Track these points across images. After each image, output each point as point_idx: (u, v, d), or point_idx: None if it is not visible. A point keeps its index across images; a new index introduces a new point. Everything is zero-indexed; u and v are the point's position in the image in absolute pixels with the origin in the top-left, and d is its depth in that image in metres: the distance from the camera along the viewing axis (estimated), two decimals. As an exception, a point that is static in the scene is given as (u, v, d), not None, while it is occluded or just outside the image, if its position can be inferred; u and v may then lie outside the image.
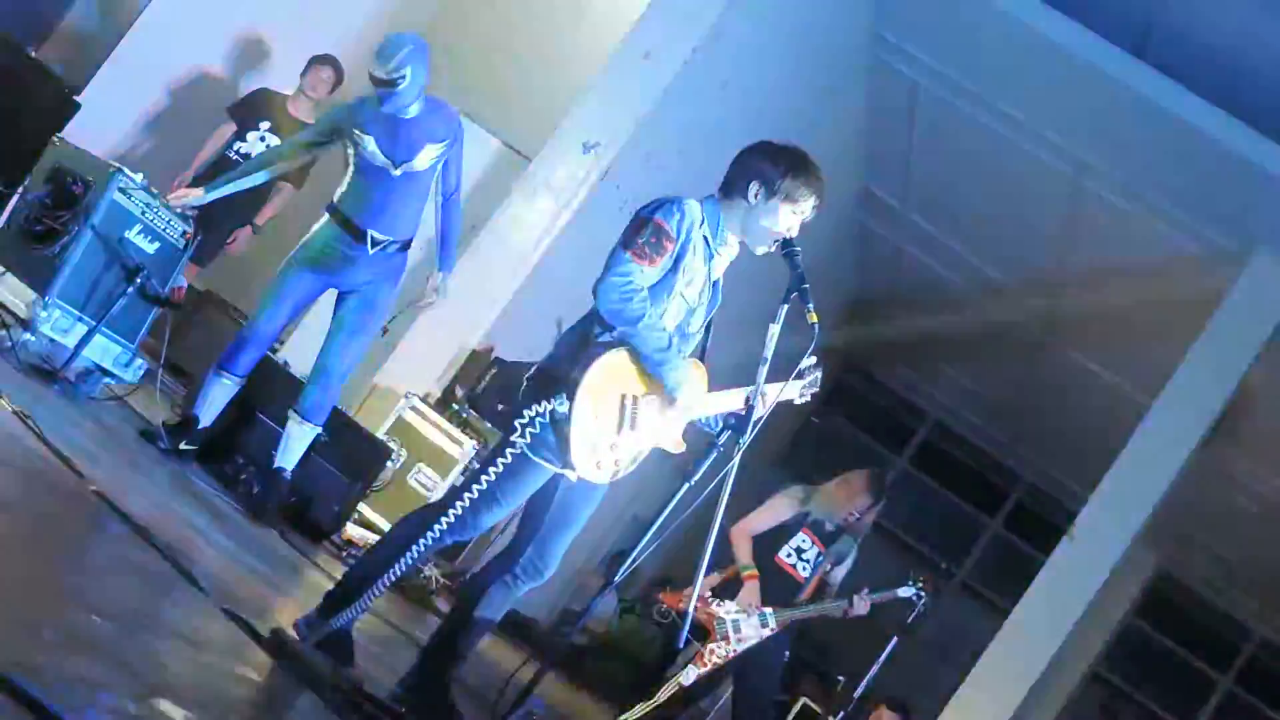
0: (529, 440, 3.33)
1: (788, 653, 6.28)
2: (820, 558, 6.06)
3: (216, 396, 5.22)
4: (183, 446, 5.13)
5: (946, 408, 14.31)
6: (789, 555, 6.06)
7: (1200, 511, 10.09)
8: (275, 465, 5.28)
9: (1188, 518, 9.88)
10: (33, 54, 5.68)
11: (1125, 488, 7.18)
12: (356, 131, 5.09)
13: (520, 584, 3.63)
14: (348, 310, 5.25)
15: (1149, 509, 7.13)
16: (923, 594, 6.04)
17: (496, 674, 5.07)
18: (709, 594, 5.96)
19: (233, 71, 7.82)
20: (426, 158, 5.15)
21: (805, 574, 6.06)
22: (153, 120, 7.54)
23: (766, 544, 6.05)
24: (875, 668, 6.38)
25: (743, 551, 6.02)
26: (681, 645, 5.37)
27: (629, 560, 3.45)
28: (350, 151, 5.14)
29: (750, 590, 5.91)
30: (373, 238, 5.15)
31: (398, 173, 5.11)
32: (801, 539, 6.07)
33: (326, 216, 5.20)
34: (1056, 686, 11.38)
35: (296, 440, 5.27)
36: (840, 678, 6.33)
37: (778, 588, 5.99)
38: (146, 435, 5.04)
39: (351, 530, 5.97)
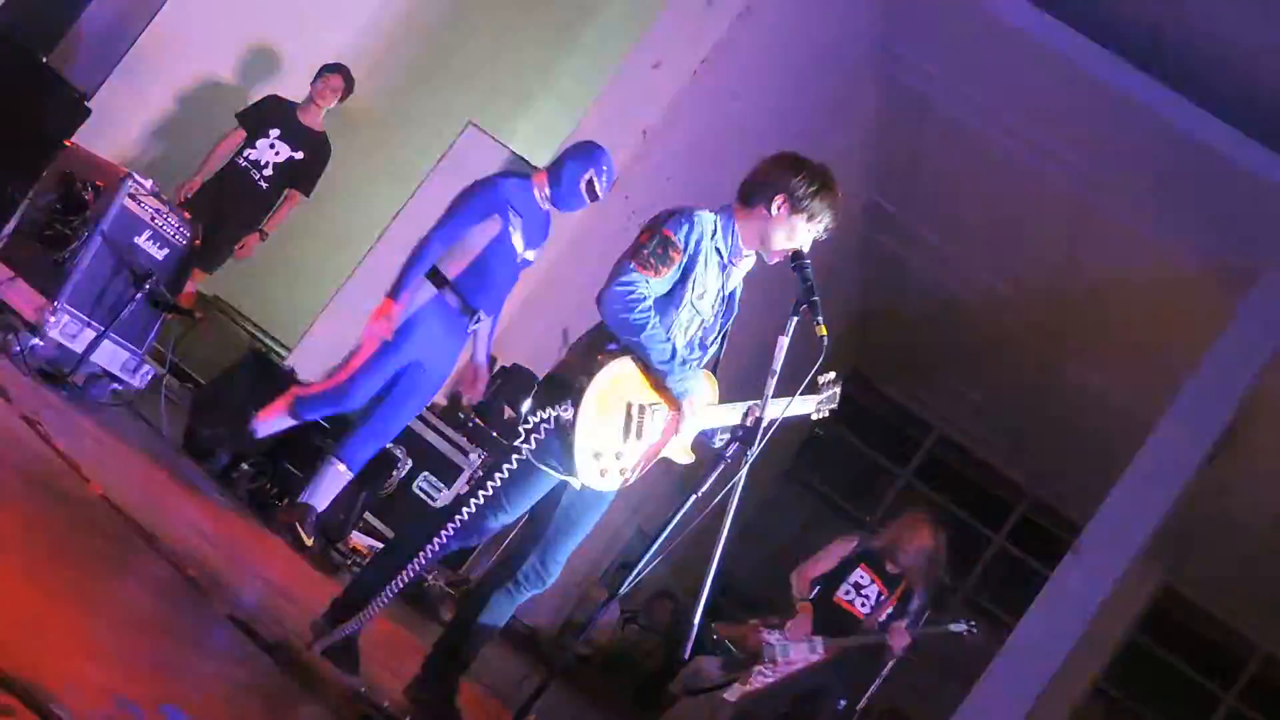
0: (534, 446, 3.33)
1: (843, 701, 6.28)
2: (881, 597, 6.08)
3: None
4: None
5: (951, 421, 14.29)
6: (847, 593, 6.10)
7: (1205, 527, 10.04)
8: (303, 500, 5.23)
9: (1193, 533, 9.85)
10: (44, 59, 5.69)
11: (1130, 502, 7.15)
12: (512, 213, 5.06)
13: (523, 590, 3.61)
14: (419, 382, 5.13)
15: (1154, 524, 7.10)
16: (974, 630, 6.09)
17: (501, 682, 5.07)
18: (760, 623, 6.06)
19: (243, 78, 7.84)
20: (537, 252, 5.21)
21: (864, 609, 6.06)
22: (163, 126, 7.56)
23: (825, 585, 6.12)
24: (877, 681, 6.37)
25: (800, 588, 6.13)
26: (686, 657, 5.39)
27: (634, 572, 3.44)
28: (492, 227, 5.04)
29: (802, 618, 5.96)
30: (479, 316, 5.11)
31: (519, 260, 5.12)
32: (860, 575, 6.10)
33: (433, 290, 5.01)
34: (1060, 701, 11.32)
35: (332, 483, 5.20)
36: (843, 702, 6.30)
37: (836, 624, 6.03)
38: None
39: (357, 538, 5.97)
